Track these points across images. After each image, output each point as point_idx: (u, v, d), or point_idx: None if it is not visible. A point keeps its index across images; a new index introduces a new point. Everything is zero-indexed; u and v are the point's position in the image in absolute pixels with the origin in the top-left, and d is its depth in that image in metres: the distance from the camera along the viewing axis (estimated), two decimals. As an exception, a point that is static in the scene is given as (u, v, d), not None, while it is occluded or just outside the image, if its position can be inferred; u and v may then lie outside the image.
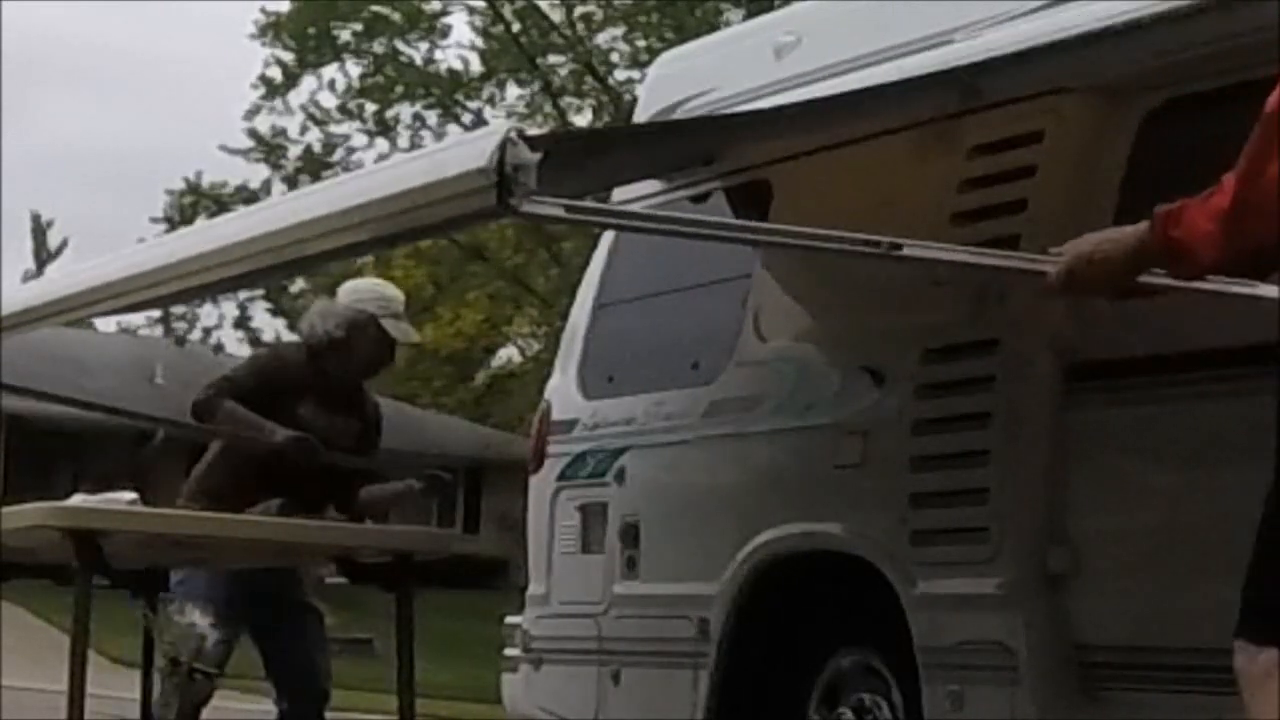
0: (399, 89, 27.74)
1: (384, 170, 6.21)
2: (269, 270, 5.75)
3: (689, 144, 5.72)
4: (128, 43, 73.97)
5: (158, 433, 31.46)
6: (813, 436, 6.26)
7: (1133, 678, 5.40)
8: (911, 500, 5.87)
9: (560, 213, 4.32)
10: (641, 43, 26.37)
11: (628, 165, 5.88)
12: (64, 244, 49.29)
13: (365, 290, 7.00)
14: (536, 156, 4.07)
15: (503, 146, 4.06)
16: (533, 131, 4.14)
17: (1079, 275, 4.02)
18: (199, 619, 6.07)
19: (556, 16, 27.00)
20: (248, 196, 27.81)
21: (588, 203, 4.51)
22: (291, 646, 6.80)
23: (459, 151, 4.43)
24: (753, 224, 5.43)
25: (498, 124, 4.26)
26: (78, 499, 6.11)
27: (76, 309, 6.38)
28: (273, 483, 6.58)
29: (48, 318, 6.56)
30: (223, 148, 28.19)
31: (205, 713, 6.25)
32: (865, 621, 6.11)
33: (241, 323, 33.50)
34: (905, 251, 4.40)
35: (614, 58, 27.28)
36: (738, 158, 6.46)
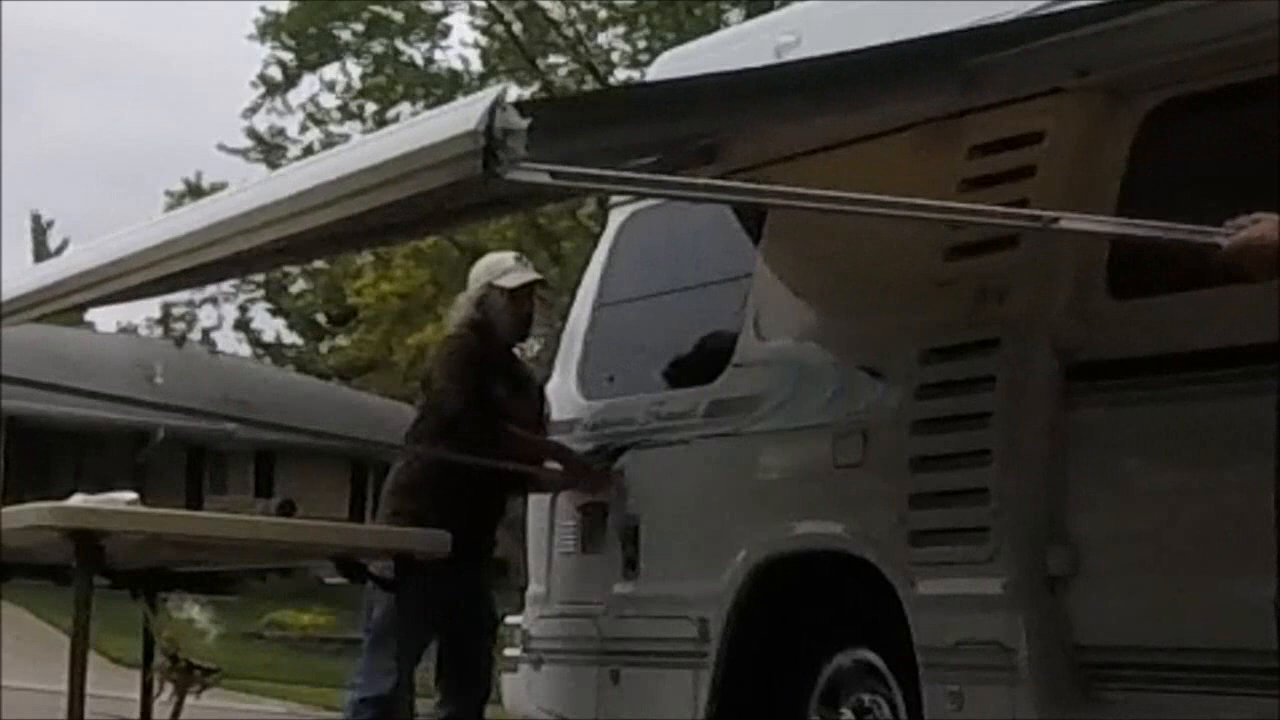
0: (399, 89, 27.72)
1: (372, 140, 6.18)
2: (263, 254, 5.71)
3: (683, 116, 5.66)
4: (128, 41, 73.92)
5: (158, 432, 31.53)
6: (813, 436, 6.26)
7: (1133, 678, 5.40)
8: (911, 500, 5.87)
9: (546, 178, 4.21)
10: (642, 43, 26.36)
11: (621, 144, 5.80)
12: (64, 244, 49.12)
13: (482, 266, 7.34)
14: (526, 122, 4.01)
15: (492, 110, 4.00)
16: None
17: (1247, 256, 4.37)
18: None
19: (557, 16, 26.98)
20: (247, 196, 27.76)
21: (575, 169, 4.38)
22: (471, 657, 7.04)
23: (448, 117, 4.38)
24: (855, 195, 5.09)
25: (488, 90, 4.12)
26: (78, 499, 6.10)
27: (75, 293, 6.35)
28: (465, 488, 6.91)
29: (47, 303, 6.54)
30: (221, 147, 28.18)
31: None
32: (865, 621, 6.11)
33: (242, 324, 33.52)
34: (1063, 224, 4.46)
35: (614, 58, 27.27)
36: (737, 157, 6.45)
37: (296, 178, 5.32)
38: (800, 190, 5.02)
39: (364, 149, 5.13)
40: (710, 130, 6.28)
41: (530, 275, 7.27)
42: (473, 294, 7.21)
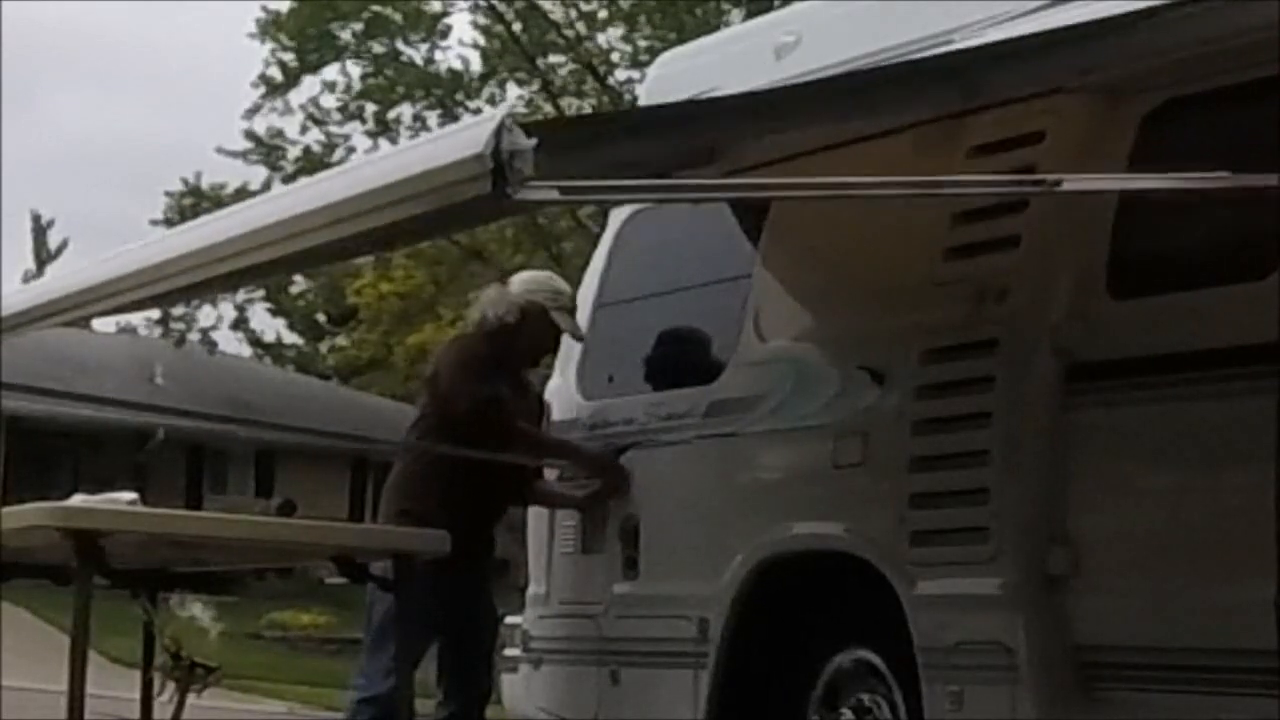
0: (399, 89, 27.73)
1: (379, 160, 6.19)
2: (267, 266, 5.74)
3: (688, 132, 5.69)
4: (128, 41, 73.89)
5: (158, 433, 31.54)
6: (813, 436, 6.27)
7: (1133, 678, 5.40)
8: (911, 500, 5.87)
9: (555, 195, 4.27)
10: (642, 43, 26.38)
11: (626, 159, 5.84)
12: (64, 244, 49.18)
13: (540, 282, 7.27)
14: (532, 142, 4.05)
15: (498, 132, 4.03)
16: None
17: None
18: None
19: (557, 16, 26.99)
20: (247, 198, 27.77)
21: (581, 183, 4.44)
22: (471, 656, 7.05)
23: (454, 139, 4.40)
24: (854, 179, 5.08)
25: (492, 111, 4.15)
26: (78, 499, 6.09)
27: (76, 309, 6.37)
28: (467, 488, 6.88)
29: (47, 318, 6.56)
30: (220, 149, 28.17)
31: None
32: (865, 621, 6.11)
33: (240, 324, 33.51)
34: (1066, 186, 4.41)
35: (614, 58, 27.29)
36: (737, 157, 6.45)
37: (302, 196, 5.33)
38: (803, 180, 5.03)
39: (370, 169, 5.13)
40: (712, 141, 6.30)
41: (579, 328, 7.26)
42: (519, 299, 7.06)
